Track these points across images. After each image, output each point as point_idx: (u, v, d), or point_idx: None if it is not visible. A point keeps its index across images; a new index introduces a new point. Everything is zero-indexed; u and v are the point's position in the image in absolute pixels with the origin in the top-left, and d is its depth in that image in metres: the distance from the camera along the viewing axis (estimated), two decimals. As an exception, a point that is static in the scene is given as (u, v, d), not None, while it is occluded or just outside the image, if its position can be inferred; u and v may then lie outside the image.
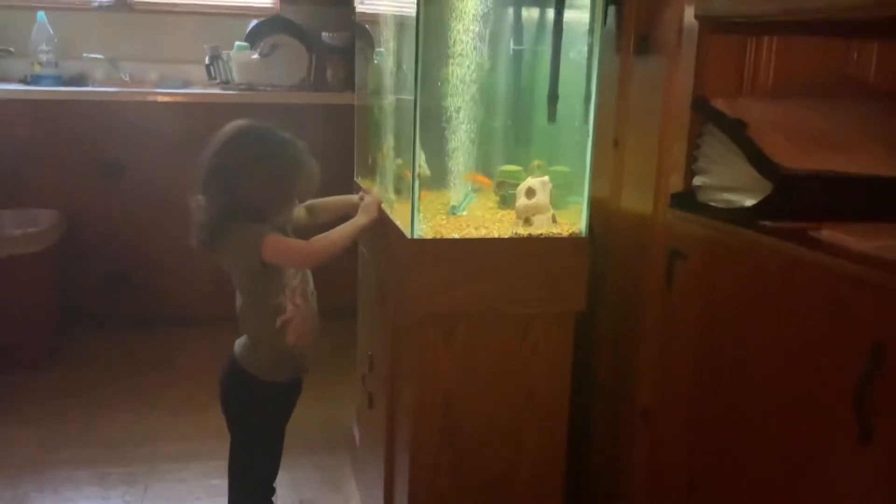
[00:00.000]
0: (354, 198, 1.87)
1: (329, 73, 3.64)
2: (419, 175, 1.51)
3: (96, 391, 2.82)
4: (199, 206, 1.64)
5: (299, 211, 1.83)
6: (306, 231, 1.75)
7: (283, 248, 1.64)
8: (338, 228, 1.70)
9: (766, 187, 1.23)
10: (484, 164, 1.77)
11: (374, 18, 2.08)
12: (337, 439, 2.50)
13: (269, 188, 1.64)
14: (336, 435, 2.52)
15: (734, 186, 1.30)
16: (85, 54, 3.61)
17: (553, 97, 1.57)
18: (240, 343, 1.76)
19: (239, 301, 1.74)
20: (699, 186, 1.39)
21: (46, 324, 3.09)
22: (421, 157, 1.61)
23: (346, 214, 1.80)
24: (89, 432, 2.54)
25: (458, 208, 1.66)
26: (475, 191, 1.74)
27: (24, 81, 3.44)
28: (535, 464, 1.62)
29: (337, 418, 2.60)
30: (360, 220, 1.72)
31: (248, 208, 1.62)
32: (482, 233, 1.55)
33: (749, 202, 1.26)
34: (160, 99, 3.31)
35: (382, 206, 1.75)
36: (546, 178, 1.58)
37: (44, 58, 3.41)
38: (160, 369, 3.04)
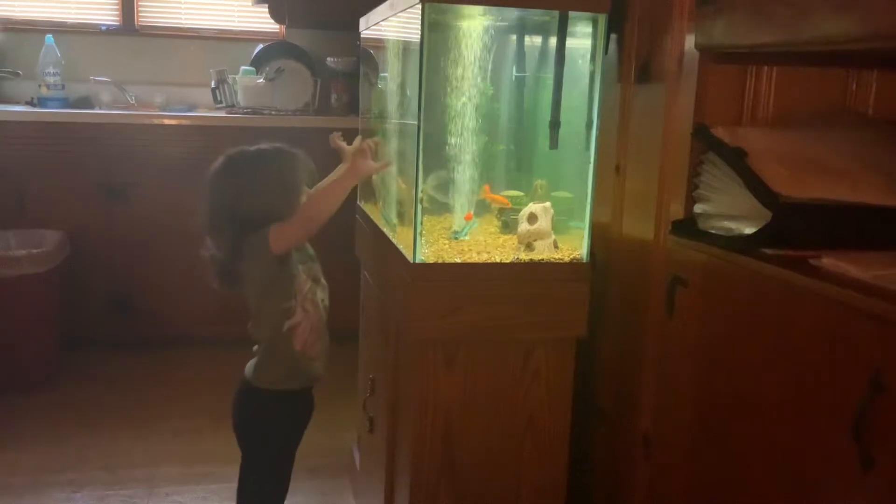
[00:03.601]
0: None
1: (333, 97, 3.67)
2: (421, 200, 1.52)
3: (97, 413, 2.82)
4: (212, 250, 1.68)
5: None
6: (324, 228, 1.77)
7: (283, 230, 1.64)
8: (323, 189, 1.70)
9: (765, 215, 1.23)
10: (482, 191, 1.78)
11: (378, 44, 2.10)
12: (338, 463, 2.49)
13: (270, 200, 1.67)
14: (337, 458, 2.51)
15: (734, 214, 1.31)
16: (91, 77, 3.65)
17: (555, 124, 1.58)
18: (249, 364, 1.78)
19: (251, 311, 1.75)
20: (700, 214, 1.40)
21: (48, 344, 3.10)
22: (430, 184, 1.63)
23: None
24: (89, 454, 2.53)
25: (461, 233, 1.67)
26: (477, 215, 1.75)
27: (30, 103, 3.47)
28: (536, 490, 1.61)
29: (338, 442, 2.59)
30: (343, 178, 1.70)
31: (261, 225, 1.64)
32: (484, 258, 1.55)
33: (749, 230, 1.27)
34: (166, 122, 3.33)
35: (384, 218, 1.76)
36: (548, 203, 1.60)
37: (51, 80, 3.45)
38: (161, 391, 3.04)
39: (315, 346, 1.75)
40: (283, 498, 1.82)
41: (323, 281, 1.78)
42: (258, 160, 1.71)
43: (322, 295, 1.77)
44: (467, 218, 1.69)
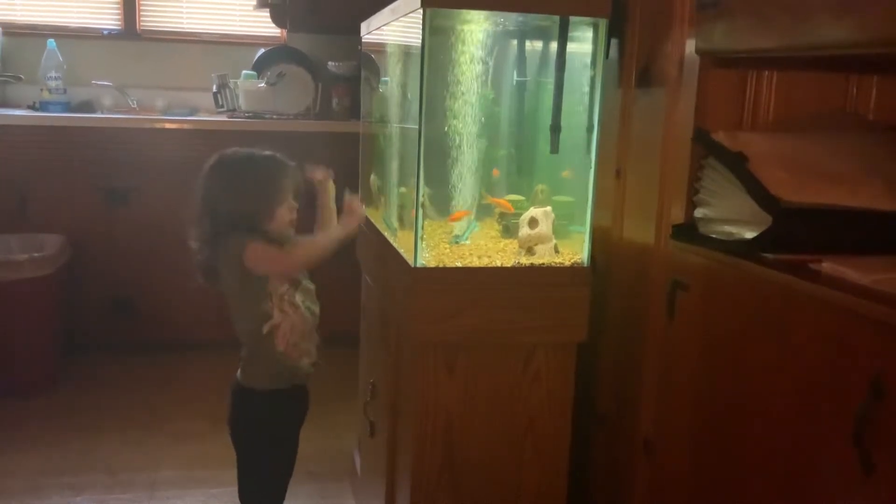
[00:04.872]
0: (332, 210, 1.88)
1: (334, 101, 3.67)
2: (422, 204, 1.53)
3: (98, 416, 2.82)
4: (193, 242, 1.72)
5: None
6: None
7: (262, 256, 1.67)
8: (317, 239, 1.74)
9: (766, 220, 1.24)
10: (487, 194, 1.78)
11: (379, 48, 2.11)
12: (338, 467, 2.49)
13: (248, 202, 1.70)
14: (337, 463, 2.51)
15: (735, 219, 1.31)
16: (93, 81, 3.65)
17: (556, 128, 1.59)
18: (239, 366, 1.79)
19: (232, 315, 1.77)
20: (700, 218, 1.40)
21: (49, 348, 3.09)
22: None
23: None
24: (90, 458, 2.53)
25: (461, 237, 1.67)
26: (478, 220, 1.75)
27: (32, 107, 3.47)
28: (536, 494, 1.61)
29: (338, 446, 2.59)
30: (339, 232, 1.74)
31: (235, 226, 1.67)
32: (485, 262, 1.55)
33: (749, 234, 1.27)
34: (167, 126, 3.34)
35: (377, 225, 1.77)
36: (549, 208, 1.60)
37: (52, 84, 3.45)
38: (162, 395, 3.04)
39: (299, 346, 1.76)
40: (281, 498, 1.83)
41: (305, 283, 1.79)
42: (246, 163, 1.75)
43: (302, 297, 1.77)
44: (453, 219, 1.69)
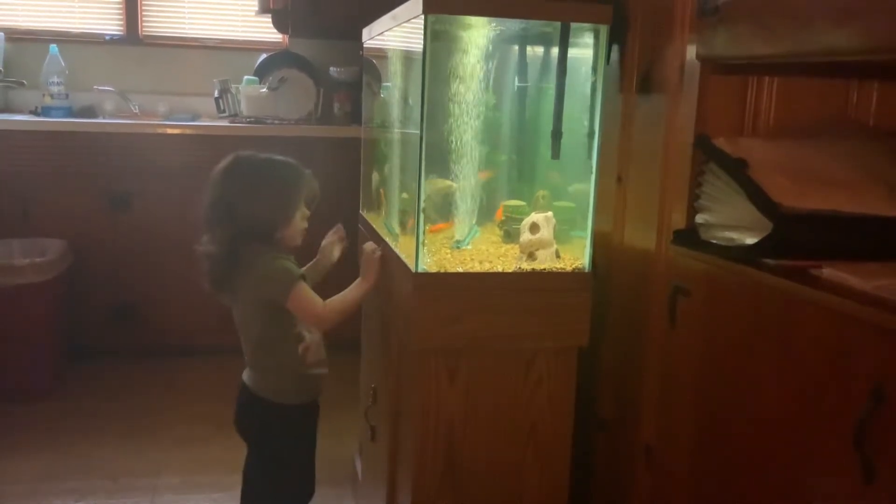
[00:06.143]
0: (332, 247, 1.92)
1: (336, 106, 3.68)
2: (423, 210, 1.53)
3: (99, 422, 2.82)
4: (206, 246, 1.70)
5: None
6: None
7: (305, 304, 1.70)
8: (346, 293, 1.75)
9: (766, 226, 1.24)
10: (489, 198, 1.78)
11: (381, 53, 2.11)
12: (339, 472, 2.49)
13: (268, 207, 1.71)
14: (338, 468, 2.51)
15: (735, 224, 1.31)
16: (95, 87, 3.66)
17: (557, 134, 1.59)
18: (252, 376, 1.79)
19: (251, 333, 1.76)
20: (701, 224, 1.40)
21: (51, 354, 3.10)
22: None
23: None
24: (92, 463, 2.53)
25: (463, 242, 1.67)
26: (479, 224, 1.75)
27: (34, 113, 3.48)
28: (537, 499, 1.61)
29: (339, 451, 2.59)
30: (363, 285, 1.76)
31: (253, 230, 1.67)
32: (486, 267, 1.55)
33: (750, 240, 1.27)
34: (169, 131, 3.34)
35: (387, 241, 1.77)
36: (550, 213, 1.60)
37: (55, 90, 3.46)
38: (163, 400, 3.04)
39: (320, 357, 1.81)
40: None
41: None
42: (266, 166, 1.75)
43: None
44: (432, 230, 1.68)
